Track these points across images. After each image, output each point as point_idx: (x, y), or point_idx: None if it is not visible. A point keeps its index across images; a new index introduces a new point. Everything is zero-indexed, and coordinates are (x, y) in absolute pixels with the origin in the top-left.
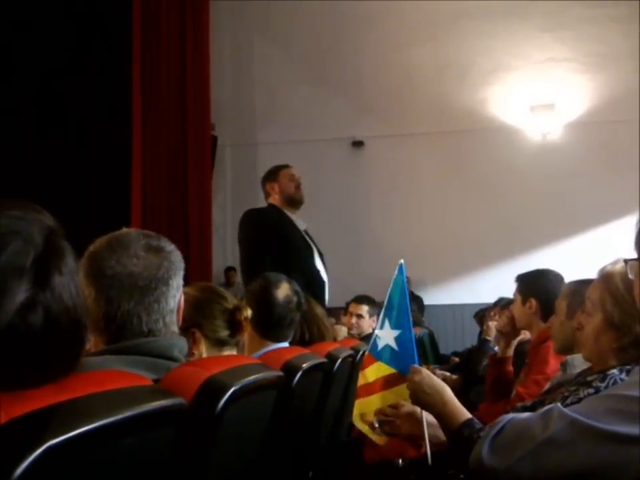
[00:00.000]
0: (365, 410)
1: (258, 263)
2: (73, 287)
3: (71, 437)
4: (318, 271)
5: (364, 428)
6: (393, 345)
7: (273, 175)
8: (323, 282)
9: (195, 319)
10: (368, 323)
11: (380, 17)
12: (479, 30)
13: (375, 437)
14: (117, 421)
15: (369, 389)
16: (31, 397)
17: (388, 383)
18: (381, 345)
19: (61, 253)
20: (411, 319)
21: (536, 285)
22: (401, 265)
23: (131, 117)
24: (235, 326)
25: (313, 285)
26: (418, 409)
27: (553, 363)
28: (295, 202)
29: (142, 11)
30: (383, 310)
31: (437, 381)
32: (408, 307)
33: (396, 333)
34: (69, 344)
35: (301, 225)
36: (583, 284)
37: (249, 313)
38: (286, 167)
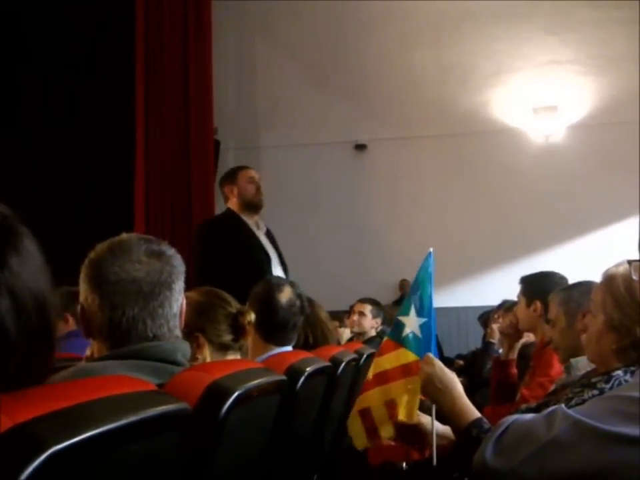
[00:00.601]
0: (367, 404)
1: (207, 277)
2: (34, 270)
3: (75, 442)
4: None
5: (354, 427)
6: (418, 332)
7: (231, 176)
8: None
9: (199, 324)
10: (370, 323)
11: (382, 20)
12: (481, 32)
13: (362, 441)
14: (120, 426)
15: (383, 376)
16: (34, 402)
17: (408, 371)
18: (406, 331)
19: (16, 235)
20: (433, 308)
21: (541, 287)
22: (429, 253)
23: (133, 121)
24: (238, 330)
25: None
26: (426, 420)
27: (557, 366)
28: (254, 206)
29: (144, 14)
30: (408, 295)
31: (448, 375)
32: (432, 296)
33: (422, 320)
34: (39, 331)
35: (262, 228)
36: (571, 289)
37: (252, 317)
38: (245, 168)
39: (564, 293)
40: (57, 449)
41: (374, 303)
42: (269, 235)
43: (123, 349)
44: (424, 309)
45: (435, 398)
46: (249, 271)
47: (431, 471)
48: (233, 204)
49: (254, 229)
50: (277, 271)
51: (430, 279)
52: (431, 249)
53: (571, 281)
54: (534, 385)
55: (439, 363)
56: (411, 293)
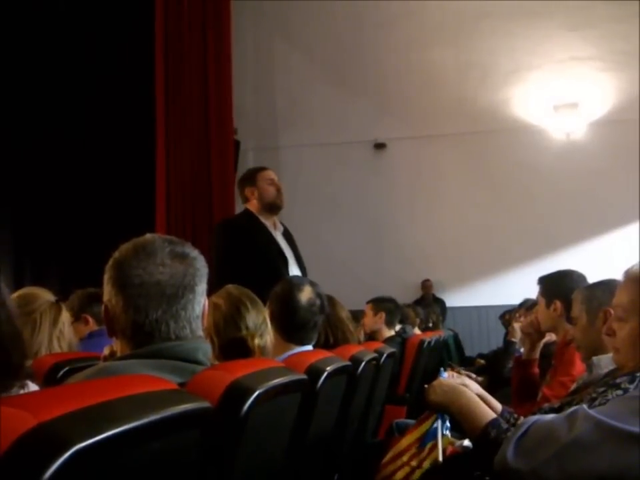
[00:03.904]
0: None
1: (222, 277)
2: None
3: (99, 440)
4: None
5: None
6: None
7: (250, 178)
8: None
9: (213, 334)
10: (372, 320)
11: (401, 18)
12: (500, 30)
13: None
14: (143, 424)
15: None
16: (59, 400)
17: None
18: None
19: None
20: None
21: (560, 287)
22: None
23: (154, 122)
24: (245, 352)
25: None
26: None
27: (579, 364)
28: (275, 207)
29: (164, 15)
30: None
31: (455, 383)
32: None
33: None
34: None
35: (279, 228)
36: (593, 287)
37: (263, 340)
38: (263, 169)
39: (587, 290)
40: (81, 447)
41: (375, 300)
42: (286, 235)
43: (144, 348)
44: None
45: (445, 401)
46: (265, 271)
47: (453, 469)
48: (252, 205)
49: (271, 229)
50: (294, 271)
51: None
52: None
53: (593, 279)
54: (555, 384)
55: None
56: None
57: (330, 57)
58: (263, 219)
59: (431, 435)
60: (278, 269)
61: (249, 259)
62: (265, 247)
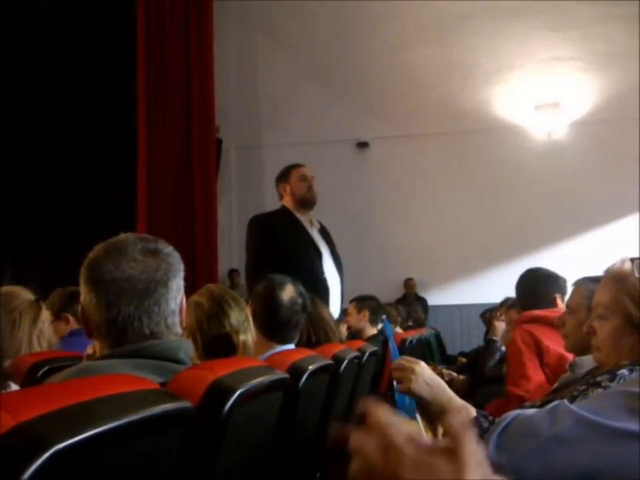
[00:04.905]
0: None
1: (257, 270)
2: None
3: (78, 441)
4: (324, 279)
5: None
6: None
7: (284, 175)
8: (327, 288)
9: (197, 332)
10: (357, 319)
11: (384, 18)
12: (482, 30)
13: None
14: (123, 424)
15: None
16: (38, 401)
17: None
18: None
19: None
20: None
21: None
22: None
23: (135, 121)
24: (229, 348)
25: (314, 292)
26: None
27: (527, 352)
28: (306, 203)
29: (146, 13)
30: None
31: (434, 375)
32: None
33: None
34: None
35: (315, 225)
36: (596, 282)
37: (247, 337)
38: (297, 166)
39: (593, 285)
40: (60, 448)
41: (357, 299)
42: (323, 232)
43: (124, 347)
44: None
45: (428, 397)
46: (299, 265)
47: None
48: (287, 201)
49: (307, 225)
50: (328, 265)
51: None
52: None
53: (573, 279)
54: (516, 378)
55: (422, 363)
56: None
57: (313, 55)
58: (298, 215)
59: (401, 403)
60: (312, 264)
61: (283, 253)
62: (299, 241)
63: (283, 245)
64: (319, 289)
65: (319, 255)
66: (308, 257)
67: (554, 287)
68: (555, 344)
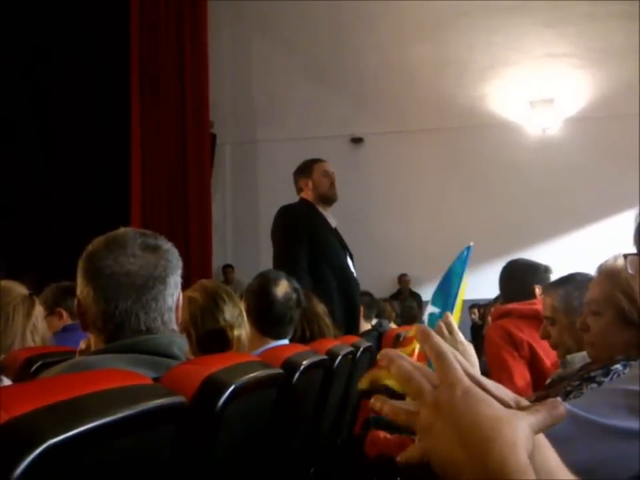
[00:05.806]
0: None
1: (291, 259)
2: None
3: (71, 436)
4: (352, 272)
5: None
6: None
7: (306, 169)
8: (357, 281)
9: (190, 327)
10: None
11: (379, 14)
12: (477, 26)
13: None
14: (117, 419)
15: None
16: (31, 395)
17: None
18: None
19: None
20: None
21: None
22: (468, 247)
23: (129, 116)
24: (223, 343)
25: (344, 281)
26: None
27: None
28: (328, 199)
29: (140, 9)
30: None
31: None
32: (454, 289)
33: (435, 310)
34: None
35: (332, 222)
36: (567, 284)
37: (241, 332)
38: (319, 161)
39: (562, 289)
40: (53, 442)
41: None
42: (336, 231)
43: (118, 342)
44: (439, 300)
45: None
46: (333, 261)
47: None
48: (308, 196)
49: (329, 218)
50: (348, 260)
51: (461, 273)
52: (472, 244)
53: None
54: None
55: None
56: (441, 283)
57: (308, 51)
58: (319, 209)
59: None
60: (343, 260)
61: (313, 244)
62: (326, 235)
63: (314, 237)
64: (351, 285)
65: (343, 249)
66: (339, 254)
67: (532, 277)
68: (526, 336)
